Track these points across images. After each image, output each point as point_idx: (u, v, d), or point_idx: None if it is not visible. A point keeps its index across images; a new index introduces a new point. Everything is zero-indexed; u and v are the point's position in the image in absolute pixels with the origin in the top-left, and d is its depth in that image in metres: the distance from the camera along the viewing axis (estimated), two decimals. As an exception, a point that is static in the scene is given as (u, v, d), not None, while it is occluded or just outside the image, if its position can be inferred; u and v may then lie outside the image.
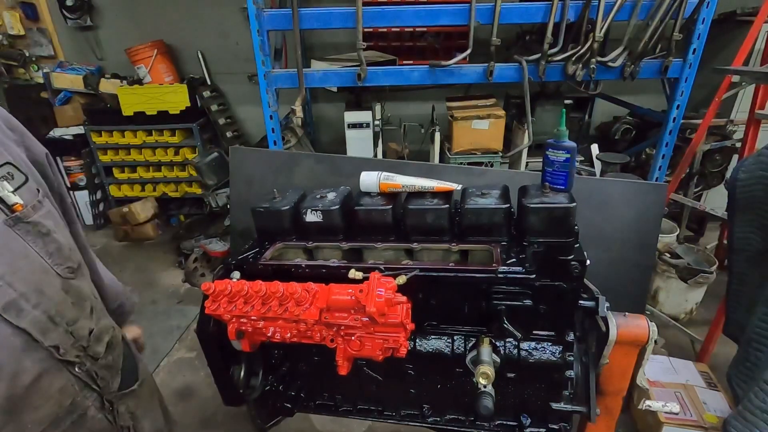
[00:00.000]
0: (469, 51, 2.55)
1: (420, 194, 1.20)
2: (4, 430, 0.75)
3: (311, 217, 1.22)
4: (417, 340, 1.13)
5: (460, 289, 1.06)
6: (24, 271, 0.76)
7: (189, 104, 4.00)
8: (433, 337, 1.13)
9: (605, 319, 1.01)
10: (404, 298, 0.98)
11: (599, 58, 2.54)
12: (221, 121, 4.33)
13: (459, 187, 1.21)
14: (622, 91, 3.87)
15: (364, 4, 2.43)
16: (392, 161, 2.17)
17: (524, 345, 1.08)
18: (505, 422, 1.17)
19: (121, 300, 1.16)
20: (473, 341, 1.10)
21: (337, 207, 1.21)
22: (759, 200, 1.66)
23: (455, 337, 1.12)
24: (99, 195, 4.44)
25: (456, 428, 1.22)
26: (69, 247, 0.87)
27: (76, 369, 0.84)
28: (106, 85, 4.06)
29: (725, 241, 2.95)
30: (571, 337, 1.07)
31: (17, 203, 0.77)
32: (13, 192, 0.77)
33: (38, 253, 0.79)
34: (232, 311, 1.02)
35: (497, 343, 1.08)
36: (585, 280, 1.04)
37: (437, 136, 3.40)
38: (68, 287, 0.84)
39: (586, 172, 3.03)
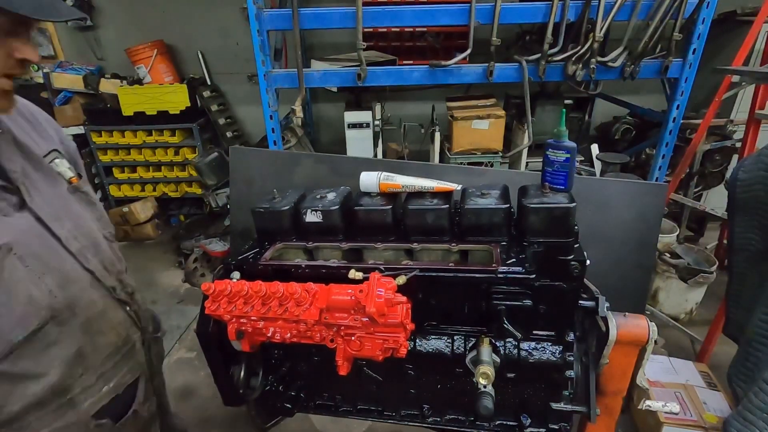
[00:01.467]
0: (469, 51, 2.56)
1: (420, 194, 1.20)
2: (85, 348, 0.95)
3: (311, 217, 1.22)
4: (417, 340, 1.13)
5: (460, 289, 1.06)
6: (83, 228, 0.98)
7: (189, 104, 4.00)
8: (433, 337, 1.13)
9: (605, 319, 1.01)
10: (404, 298, 0.98)
11: (599, 58, 2.54)
12: (221, 121, 4.33)
13: (459, 187, 1.21)
14: (622, 91, 3.87)
15: (364, 4, 2.43)
16: (392, 161, 2.17)
17: (524, 345, 1.08)
18: (505, 422, 1.17)
19: None
20: (473, 341, 1.10)
21: (337, 207, 1.21)
22: (759, 200, 1.66)
23: (455, 337, 1.12)
24: (99, 195, 4.44)
25: (456, 428, 1.22)
26: (108, 219, 1.12)
27: (128, 308, 1.08)
28: (106, 85, 4.06)
29: (725, 241, 2.96)
30: (571, 337, 1.07)
31: (73, 176, 1.01)
32: (68, 169, 1.00)
33: (90, 218, 1.03)
34: (232, 311, 1.02)
35: (497, 343, 1.08)
36: (585, 280, 1.04)
37: (437, 136, 3.40)
38: (112, 247, 1.09)
39: (586, 172, 3.03)
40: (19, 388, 0.85)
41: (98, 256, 1.00)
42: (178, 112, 3.99)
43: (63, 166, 1.00)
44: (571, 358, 1.06)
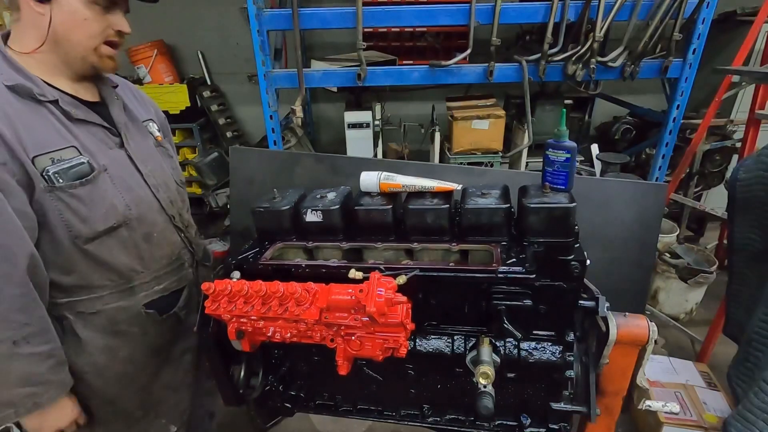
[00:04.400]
0: (469, 51, 2.55)
1: (420, 194, 1.20)
2: (144, 253, 1.26)
3: (311, 217, 1.22)
4: (417, 340, 1.13)
5: (460, 289, 1.06)
6: (159, 171, 1.33)
7: (189, 104, 4.00)
8: (433, 337, 1.14)
9: (605, 319, 1.01)
10: (404, 298, 0.97)
11: (599, 58, 2.54)
12: (221, 121, 4.33)
13: (459, 187, 1.21)
14: (622, 91, 3.87)
15: (364, 4, 2.43)
16: (392, 161, 2.17)
17: (524, 345, 1.08)
18: (505, 422, 1.17)
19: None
20: (473, 341, 1.10)
21: (337, 207, 1.21)
22: (759, 200, 1.66)
23: (455, 337, 1.12)
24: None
25: (456, 428, 1.22)
26: (180, 171, 1.48)
27: (182, 235, 1.40)
28: (106, 85, 4.06)
29: (725, 241, 2.95)
30: (571, 337, 1.07)
31: (158, 136, 1.39)
32: (156, 131, 1.39)
33: (167, 165, 1.38)
34: (232, 311, 1.02)
35: (497, 343, 1.08)
36: (585, 280, 1.04)
37: (437, 136, 3.40)
38: (179, 191, 1.43)
39: (586, 172, 3.03)
40: (100, 269, 1.18)
41: (167, 193, 1.33)
42: (178, 112, 3.99)
43: (153, 128, 1.39)
44: (571, 358, 1.06)
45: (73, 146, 1.10)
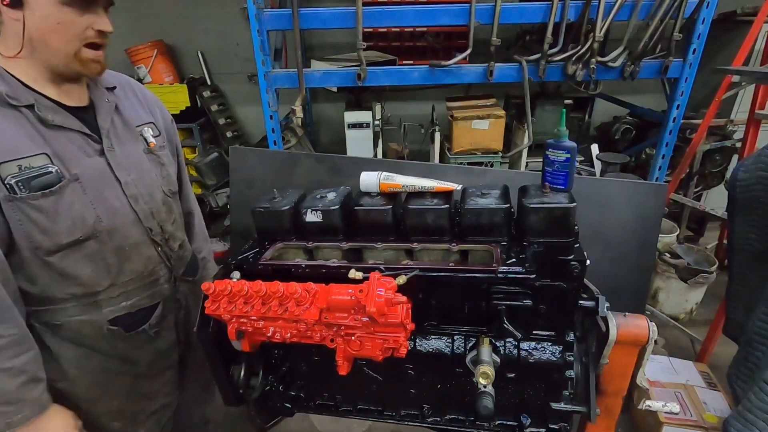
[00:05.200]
0: (469, 51, 2.55)
1: (420, 194, 1.20)
2: (113, 268, 1.19)
3: (311, 217, 1.22)
4: (417, 340, 1.13)
5: (460, 289, 1.06)
6: (145, 179, 1.26)
7: (189, 104, 4.00)
8: (433, 337, 1.14)
9: (605, 319, 1.01)
10: (404, 298, 0.97)
11: (599, 58, 2.54)
12: (221, 121, 4.33)
13: (459, 187, 1.21)
14: (622, 91, 3.87)
15: (364, 4, 2.43)
16: (392, 161, 2.17)
17: (524, 345, 1.08)
18: (505, 422, 1.17)
19: (201, 254, 1.62)
20: (473, 341, 1.10)
21: (337, 207, 1.21)
22: (759, 200, 1.67)
23: (455, 337, 1.12)
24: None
25: (456, 428, 1.22)
26: (173, 179, 1.40)
27: (159, 249, 1.31)
28: (106, 85, 4.06)
29: (725, 241, 2.96)
30: (571, 337, 1.07)
31: (151, 142, 1.31)
32: (151, 137, 1.32)
33: (156, 174, 1.30)
34: (232, 311, 1.02)
35: (497, 343, 1.08)
36: (585, 280, 1.04)
37: (437, 136, 3.40)
38: (166, 201, 1.34)
39: (586, 172, 3.03)
40: (62, 281, 1.13)
41: (149, 203, 1.26)
42: (178, 112, 3.98)
43: (148, 134, 1.31)
44: (571, 358, 1.06)
45: (44, 153, 1.05)
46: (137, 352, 1.31)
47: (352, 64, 2.83)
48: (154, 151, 1.31)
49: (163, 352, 1.38)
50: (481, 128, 3.24)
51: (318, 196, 1.27)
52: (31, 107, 1.06)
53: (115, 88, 1.28)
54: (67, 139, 1.11)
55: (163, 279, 1.34)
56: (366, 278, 0.98)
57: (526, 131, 2.97)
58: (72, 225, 1.09)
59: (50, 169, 1.05)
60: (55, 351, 1.18)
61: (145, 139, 1.30)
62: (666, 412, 1.90)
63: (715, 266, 2.83)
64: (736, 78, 2.67)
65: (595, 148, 3.02)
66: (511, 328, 1.01)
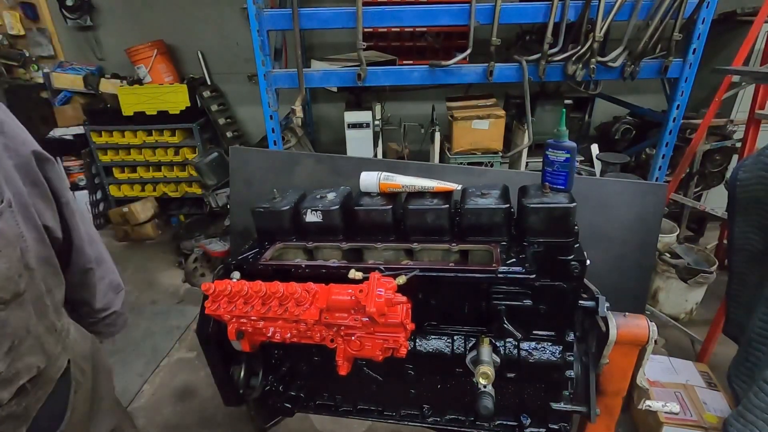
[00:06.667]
0: (469, 51, 2.55)
1: (420, 194, 1.20)
2: None
3: (311, 217, 1.22)
4: (417, 340, 1.13)
5: (460, 289, 1.06)
6: None
7: (189, 104, 4.00)
8: (433, 337, 1.14)
9: (605, 319, 1.01)
10: (404, 298, 0.97)
11: (599, 58, 2.53)
12: (221, 121, 4.33)
13: (459, 187, 1.21)
14: (622, 91, 3.87)
15: (364, 4, 2.43)
16: (392, 161, 2.17)
17: (524, 345, 1.08)
18: (505, 422, 1.17)
19: (109, 311, 1.11)
20: (473, 341, 1.10)
21: (337, 207, 1.21)
22: (759, 200, 1.66)
23: (455, 337, 1.12)
24: (99, 195, 4.44)
25: (456, 428, 1.22)
26: (8, 276, 0.76)
27: None
28: (106, 85, 4.06)
29: (725, 241, 2.95)
30: (571, 337, 1.07)
31: None
32: None
33: (12, 236, 0.75)
34: (232, 311, 1.02)
35: (497, 343, 1.08)
36: (585, 280, 1.04)
37: (437, 136, 3.39)
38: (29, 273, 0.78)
39: (586, 172, 3.02)
40: None
41: None
42: (178, 112, 3.99)
43: None
44: (571, 358, 1.06)
45: None
46: None
47: (352, 64, 2.83)
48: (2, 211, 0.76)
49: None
50: (481, 128, 3.24)
51: (318, 197, 1.28)
52: None
53: None
54: None
55: None
56: (366, 278, 0.98)
57: (526, 131, 2.97)
58: None
59: None
60: None
61: None
62: (666, 412, 1.89)
63: (715, 266, 2.82)
64: (736, 78, 2.66)
65: (595, 148, 3.02)
66: (511, 328, 1.01)
